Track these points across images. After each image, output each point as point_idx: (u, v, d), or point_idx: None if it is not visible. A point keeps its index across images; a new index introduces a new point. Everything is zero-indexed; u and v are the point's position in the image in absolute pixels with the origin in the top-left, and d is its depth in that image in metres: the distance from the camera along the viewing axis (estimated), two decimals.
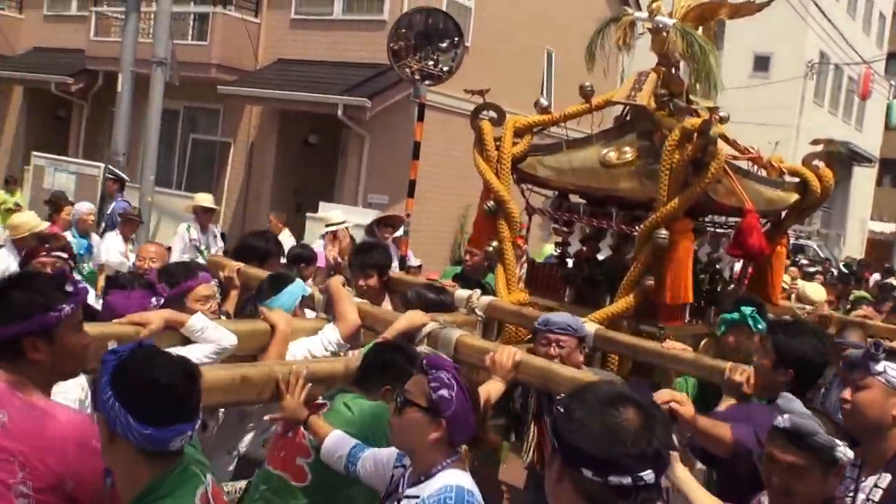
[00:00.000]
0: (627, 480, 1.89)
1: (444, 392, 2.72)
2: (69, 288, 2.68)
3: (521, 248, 5.95)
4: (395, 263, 9.68)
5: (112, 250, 9.20)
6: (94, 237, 9.42)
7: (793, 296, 7.91)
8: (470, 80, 6.88)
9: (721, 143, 4.64)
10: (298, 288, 4.30)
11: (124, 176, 13.15)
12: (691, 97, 5.19)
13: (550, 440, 2.06)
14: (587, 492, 1.93)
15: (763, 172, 5.46)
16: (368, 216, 10.93)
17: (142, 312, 3.54)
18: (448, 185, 15.98)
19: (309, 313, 4.63)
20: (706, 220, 5.35)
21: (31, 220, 7.37)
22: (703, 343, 4.86)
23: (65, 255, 4.08)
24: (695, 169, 4.51)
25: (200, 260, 8.59)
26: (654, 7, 5.10)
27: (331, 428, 3.25)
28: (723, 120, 5.06)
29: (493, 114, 5.32)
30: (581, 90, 5.33)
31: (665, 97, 4.94)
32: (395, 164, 15.18)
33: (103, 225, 11.36)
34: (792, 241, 23.24)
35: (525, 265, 6.21)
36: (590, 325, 4.41)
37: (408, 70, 11.20)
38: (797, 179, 5.41)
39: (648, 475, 1.91)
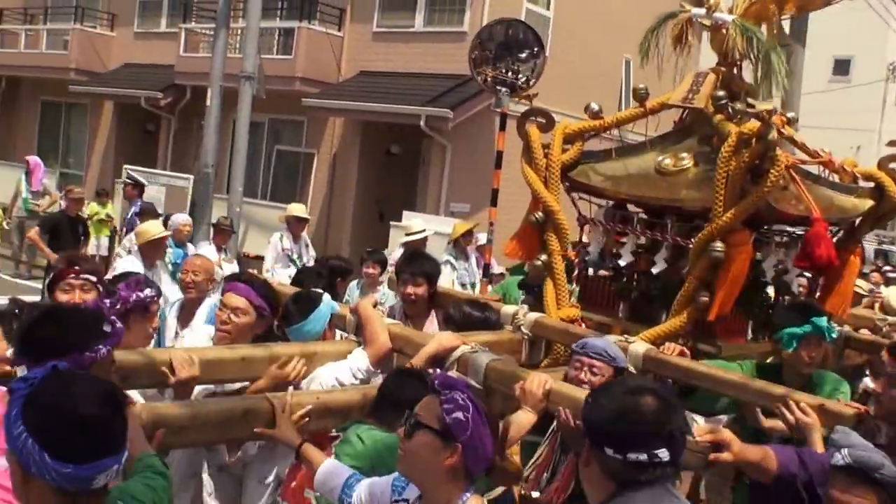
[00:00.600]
0: (644, 457, 2.13)
1: (458, 414, 2.44)
2: (107, 328, 2.59)
3: (576, 262, 5.66)
4: (479, 272, 9.75)
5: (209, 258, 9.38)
6: (190, 246, 9.66)
7: (876, 305, 7.40)
8: (548, 90, 6.91)
9: (783, 148, 4.32)
10: (327, 307, 4.09)
11: (143, 181, 13.44)
12: (750, 100, 4.81)
13: (581, 429, 2.32)
14: (611, 470, 2.18)
15: (836, 178, 5.05)
16: (450, 225, 11.01)
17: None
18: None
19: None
20: (771, 229, 4.97)
21: (154, 228, 7.62)
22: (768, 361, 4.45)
23: (93, 279, 3.91)
24: (753, 177, 4.18)
25: (293, 269, 8.73)
26: (712, 3, 4.82)
27: (324, 457, 3.07)
28: (791, 122, 4.83)
29: (541, 119, 5.01)
30: (634, 93, 5.02)
31: (723, 99, 4.50)
32: (477, 173, 15.29)
33: (124, 230, 11.68)
34: (874, 246, 22.70)
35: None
36: (639, 346, 4.04)
37: (488, 80, 11.24)
38: (872, 184, 4.95)
39: (663, 453, 2.14)
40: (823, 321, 3.98)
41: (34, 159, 15.83)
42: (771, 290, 5.07)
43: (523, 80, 11.64)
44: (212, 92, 14.11)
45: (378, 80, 17.14)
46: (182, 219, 9.89)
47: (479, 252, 9.96)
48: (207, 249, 9.72)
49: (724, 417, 4.55)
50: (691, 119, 4.91)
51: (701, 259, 4.31)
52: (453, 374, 3.50)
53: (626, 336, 4.17)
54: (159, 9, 22.05)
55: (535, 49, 11.91)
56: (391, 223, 13.63)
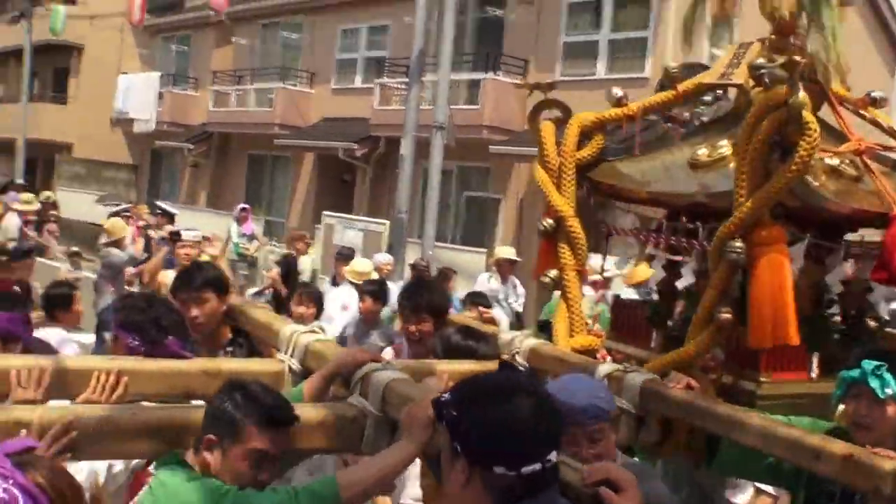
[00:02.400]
0: (538, 467, 1.94)
1: None
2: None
3: (601, 281, 5.06)
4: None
5: None
6: (390, 285, 10.24)
7: None
8: None
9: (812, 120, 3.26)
10: None
11: (173, 210, 14.07)
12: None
13: (449, 445, 2.01)
14: (500, 487, 1.94)
15: None
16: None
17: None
18: None
19: None
20: (835, 231, 4.05)
21: (364, 267, 8.33)
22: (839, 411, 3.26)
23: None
24: (781, 155, 3.31)
25: (498, 309, 9.09)
26: None
27: None
28: (876, 102, 4.05)
29: (556, 113, 4.39)
30: (665, 73, 4.27)
31: (762, 68, 3.40)
32: None
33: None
34: None
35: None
36: (637, 376, 3.32)
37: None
38: None
39: (553, 455, 1.97)
40: (872, 366, 2.93)
41: (243, 207, 17.08)
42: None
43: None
44: (405, 142, 14.89)
45: (562, 127, 17.48)
46: (384, 258, 10.62)
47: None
48: None
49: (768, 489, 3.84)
50: (736, 99, 4.17)
51: (720, 263, 3.45)
52: (354, 399, 2.87)
53: (625, 365, 3.54)
54: (354, 66, 23.46)
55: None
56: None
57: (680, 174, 3.90)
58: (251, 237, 16.68)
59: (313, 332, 3.47)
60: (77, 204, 26.00)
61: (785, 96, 3.17)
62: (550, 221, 4.12)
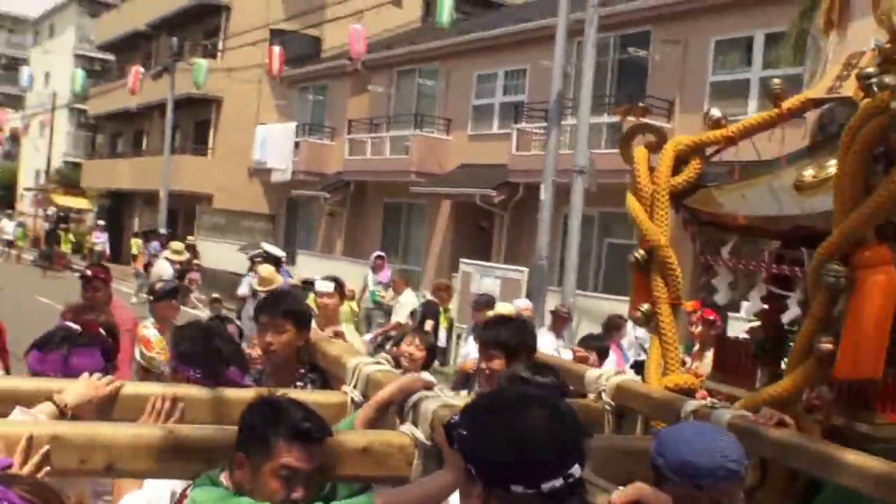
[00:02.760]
0: (560, 482, 1.83)
1: None
2: None
3: (714, 319, 4.63)
4: None
5: (547, 346, 9.89)
6: None
7: None
8: None
9: None
10: None
11: (278, 252, 13.98)
12: None
13: (464, 469, 1.93)
14: None
15: None
16: None
17: None
18: None
19: None
20: None
21: (509, 312, 8.42)
22: None
23: None
24: (886, 166, 3.07)
25: (644, 355, 8.98)
26: None
27: None
28: None
29: (650, 137, 4.20)
30: (768, 92, 4.01)
31: (871, 77, 3.14)
32: None
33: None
34: None
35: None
36: (724, 412, 3.12)
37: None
38: None
39: (576, 469, 1.86)
40: None
41: (379, 255, 17.39)
42: None
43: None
44: (544, 187, 14.90)
45: (706, 169, 17.17)
46: (523, 304, 10.62)
47: None
48: (546, 337, 10.25)
49: None
50: (844, 116, 3.77)
51: (818, 288, 3.19)
52: (406, 428, 2.83)
53: (712, 401, 3.37)
54: (491, 112, 23.71)
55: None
56: (729, 314, 13.54)
57: (784, 198, 3.71)
58: (387, 285, 16.97)
59: (378, 363, 3.41)
60: (217, 253, 27.07)
61: (887, 100, 2.91)
62: (642, 252, 4.01)
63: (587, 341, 7.70)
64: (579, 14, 14.84)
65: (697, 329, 8.49)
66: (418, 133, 24.93)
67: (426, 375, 3.59)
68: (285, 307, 3.94)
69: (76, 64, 52.11)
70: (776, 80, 3.96)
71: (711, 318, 8.25)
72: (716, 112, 4.11)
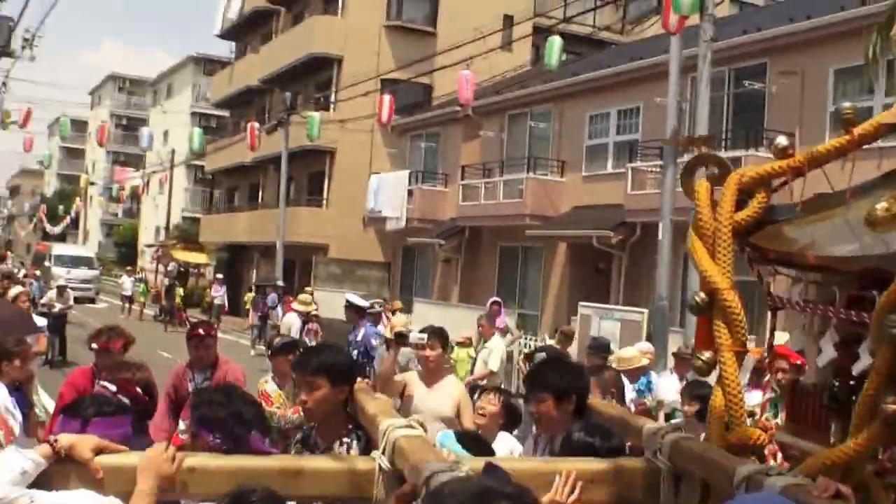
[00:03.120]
0: None
1: None
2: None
3: (801, 364, 4.22)
4: None
5: (670, 389, 10.02)
6: (653, 374, 10.36)
7: None
8: None
9: None
10: None
11: (362, 302, 13.99)
12: None
13: None
14: None
15: None
16: None
17: None
18: None
19: None
20: None
21: (636, 355, 8.62)
22: None
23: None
24: None
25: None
26: None
27: None
28: None
29: (714, 169, 3.91)
30: (840, 117, 3.69)
31: None
32: None
33: (355, 352, 12.06)
34: None
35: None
36: (779, 479, 2.89)
37: None
38: None
39: None
40: None
41: (495, 301, 17.71)
42: None
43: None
44: (662, 226, 15.02)
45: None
46: (644, 346, 10.79)
47: None
48: (669, 379, 10.38)
49: None
50: None
51: (882, 342, 2.98)
52: None
53: (769, 466, 3.14)
54: (605, 152, 23.97)
55: None
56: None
57: (854, 234, 3.40)
58: (505, 331, 17.26)
59: (410, 426, 3.29)
60: (334, 302, 27.82)
61: None
62: (702, 296, 3.68)
63: (692, 389, 7.09)
64: (692, 49, 15.03)
65: (783, 376, 7.73)
66: (532, 176, 25.29)
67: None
68: (317, 363, 3.92)
69: (193, 121, 54.69)
70: (846, 105, 3.65)
71: (798, 362, 7.27)
72: (782, 140, 3.80)
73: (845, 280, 3.74)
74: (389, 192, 29.99)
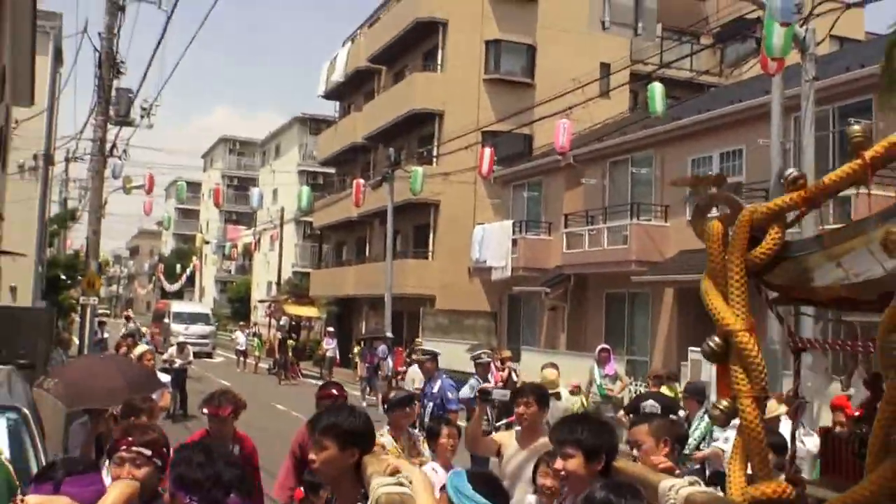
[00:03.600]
0: None
1: None
2: None
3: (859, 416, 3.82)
4: None
5: (784, 432, 9.80)
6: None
7: None
8: None
9: None
10: None
11: (435, 350, 13.85)
12: None
13: None
14: None
15: None
16: None
17: None
18: None
19: None
20: None
21: (772, 404, 8.50)
22: None
23: (147, 452, 3.82)
24: None
25: None
26: None
27: None
28: None
29: (725, 209, 3.67)
30: (849, 141, 3.36)
31: None
32: None
33: (430, 405, 11.71)
34: None
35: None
36: None
37: None
38: None
39: None
40: None
41: (603, 348, 17.57)
42: None
43: None
44: None
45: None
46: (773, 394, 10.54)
47: None
48: (783, 424, 10.14)
49: None
50: None
51: (890, 369, 2.77)
52: None
53: None
54: None
55: None
56: None
57: (867, 262, 3.13)
58: (614, 378, 17.08)
59: (399, 483, 3.22)
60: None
61: None
62: (717, 340, 3.48)
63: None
64: (794, 89, 14.83)
65: (840, 430, 7.05)
66: (635, 222, 25.12)
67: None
68: (325, 424, 3.82)
69: (300, 179, 56.01)
70: (856, 128, 3.34)
71: (857, 414, 6.66)
72: (793, 171, 3.55)
73: (872, 310, 3.39)
74: (494, 242, 30.16)
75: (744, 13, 22.02)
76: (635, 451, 4.45)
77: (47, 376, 12.89)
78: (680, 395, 16.25)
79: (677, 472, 5.49)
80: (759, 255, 3.36)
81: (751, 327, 3.28)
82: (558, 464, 3.90)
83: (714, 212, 3.78)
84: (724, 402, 3.33)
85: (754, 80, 22.74)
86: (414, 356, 19.30)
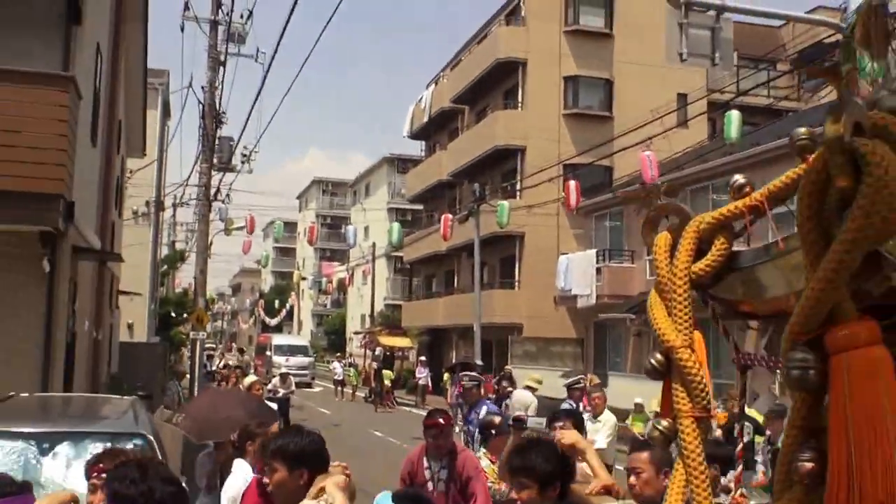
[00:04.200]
0: None
1: None
2: None
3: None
4: None
5: None
6: None
7: None
8: None
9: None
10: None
11: (482, 377, 13.64)
12: None
13: None
14: None
15: None
16: None
17: None
18: None
19: None
20: None
21: None
22: None
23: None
24: (838, 207, 2.20)
25: None
26: None
27: None
28: None
29: (674, 219, 3.30)
30: (793, 142, 2.95)
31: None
32: None
33: (468, 429, 11.34)
34: None
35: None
36: None
37: None
38: None
39: None
40: None
41: None
42: None
43: None
44: None
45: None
46: None
47: None
48: None
49: None
50: None
51: (790, 387, 2.35)
52: None
53: None
54: (790, 220, 22.55)
55: None
56: None
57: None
58: None
59: None
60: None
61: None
62: (659, 357, 3.06)
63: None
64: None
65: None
66: None
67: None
68: (274, 447, 3.82)
69: (390, 216, 56.66)
70: (801, 130, 2.74)
71: None
72: (738, 178, 3.08)
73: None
74: (578, 271, 30.05)
75: (822, 37, 21.65)
76: (632, 479, 4.20)
77: (166, 407, 13.27)
78: (761, 417, 15.91)
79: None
80: (702, 268, 2.99)
81: (691, 343, 3.01)
82: (513, 494, 3.81)
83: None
84: (664, 423, 2.91)
85: (829, 101, 22.27)
86: (504, 383, 19.18)
